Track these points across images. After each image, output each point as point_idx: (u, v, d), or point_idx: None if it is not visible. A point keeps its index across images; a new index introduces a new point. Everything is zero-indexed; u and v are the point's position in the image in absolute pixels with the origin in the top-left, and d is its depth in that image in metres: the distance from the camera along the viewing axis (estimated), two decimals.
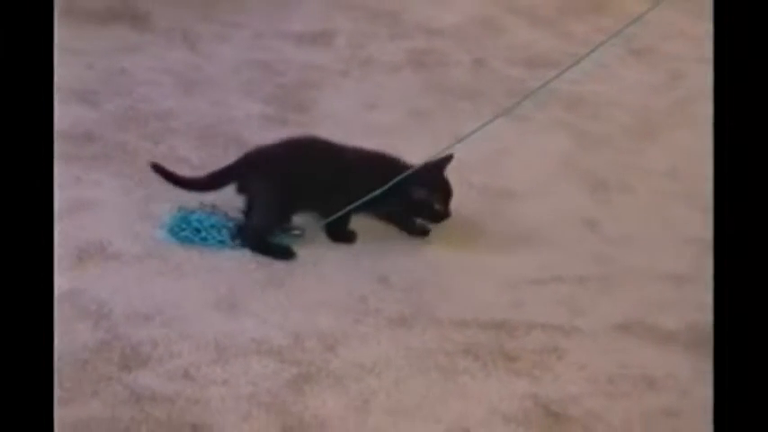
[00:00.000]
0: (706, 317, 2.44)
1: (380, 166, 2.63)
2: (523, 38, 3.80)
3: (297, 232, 2.56)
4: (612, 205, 2.90)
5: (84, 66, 3.19)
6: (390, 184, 2.53)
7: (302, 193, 2.59)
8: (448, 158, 2.60)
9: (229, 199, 2.63)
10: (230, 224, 2.53)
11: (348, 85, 3.29)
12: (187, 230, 2.49)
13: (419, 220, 2.67)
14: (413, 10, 3.87)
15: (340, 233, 2.63)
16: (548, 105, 3.13)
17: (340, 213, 2.59)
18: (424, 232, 2.67)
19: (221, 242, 2.49)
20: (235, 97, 3.14)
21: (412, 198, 2.59)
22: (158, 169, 2.60)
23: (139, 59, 3.27)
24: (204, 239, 2.49)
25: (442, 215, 2.62)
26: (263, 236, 2.57)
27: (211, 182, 2.61)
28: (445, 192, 2.62)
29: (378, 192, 2.53)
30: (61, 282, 2.29)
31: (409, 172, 2.55)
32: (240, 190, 2.61)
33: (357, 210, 2.60)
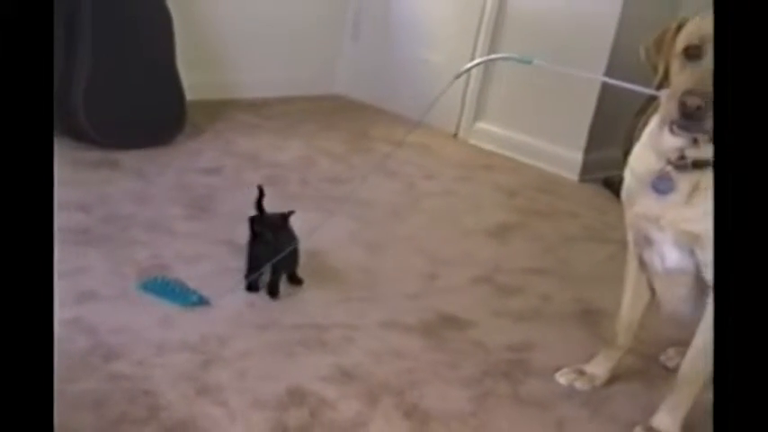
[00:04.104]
0: (430, 316, 2.50)
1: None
2: (327, 167, 3.82)
3: (200, 298, 2.37)
4: (378, 257, 2.93)
5: (82, 191, 3.09)
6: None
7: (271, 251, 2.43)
8: (289, 213, 2.50)
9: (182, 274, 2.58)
10: (177, 288, 2.39)
11: (231, 197, 3.24)
12: (152, 292, 2.38)
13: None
14: (266, 154, 3.87)
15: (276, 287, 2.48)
16: (343, 204, 3.15)
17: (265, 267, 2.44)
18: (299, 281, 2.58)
19: (171, 299, 2.35)
20: (166, 205, 3.08)
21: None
22: (260, 190, 2.48)
23: (114, 187, 3.19)
24: (162, 297, 2.36)
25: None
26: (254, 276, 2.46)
27: (257, 215, 2.47)
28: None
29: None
30: (69, 313, 2.22)
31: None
32: (252, 231, 2.45)
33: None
